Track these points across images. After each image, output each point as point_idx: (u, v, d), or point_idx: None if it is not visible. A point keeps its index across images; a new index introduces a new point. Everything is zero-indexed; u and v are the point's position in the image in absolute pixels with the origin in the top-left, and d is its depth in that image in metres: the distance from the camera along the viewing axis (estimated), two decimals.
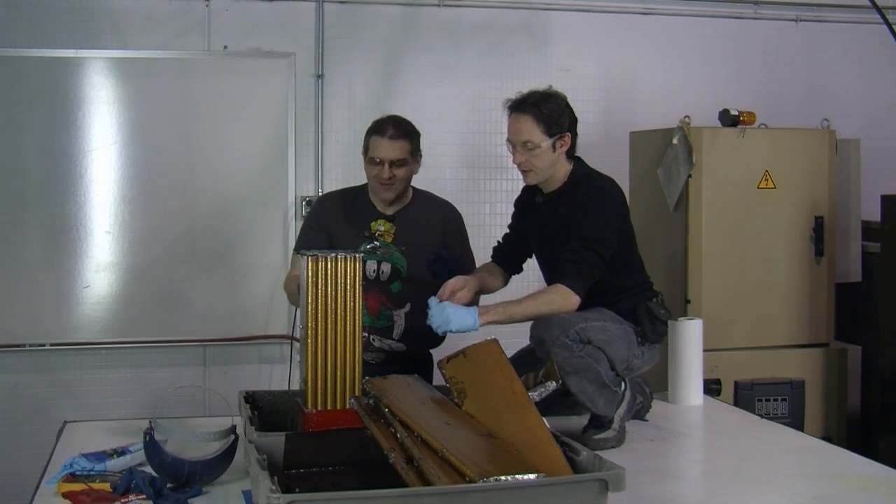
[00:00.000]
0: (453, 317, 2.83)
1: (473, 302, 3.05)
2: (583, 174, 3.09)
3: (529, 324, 2.92)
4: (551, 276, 3.04)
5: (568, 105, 3.06)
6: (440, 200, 3.52)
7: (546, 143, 2.99)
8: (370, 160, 3.31)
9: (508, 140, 3.05)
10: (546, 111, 2.99)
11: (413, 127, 3.36)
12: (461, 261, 3.39)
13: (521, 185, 3.21)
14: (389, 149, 3.26)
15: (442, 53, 4.98)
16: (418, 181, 3.47)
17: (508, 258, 3.33)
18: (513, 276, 3.38)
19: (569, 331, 2.83)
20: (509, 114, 3.06)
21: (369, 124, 3.37)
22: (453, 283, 3.00)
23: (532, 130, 2.98)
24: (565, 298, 2.89)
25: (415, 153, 3.34)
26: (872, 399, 4.67)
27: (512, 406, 2.35)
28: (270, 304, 4.71)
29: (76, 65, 4.55)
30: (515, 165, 3.08)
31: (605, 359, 2.91)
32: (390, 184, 3.30)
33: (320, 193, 4.67)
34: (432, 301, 2.90)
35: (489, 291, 3.28)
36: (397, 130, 3.29)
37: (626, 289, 3.07)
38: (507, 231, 3.35)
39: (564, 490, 2.07)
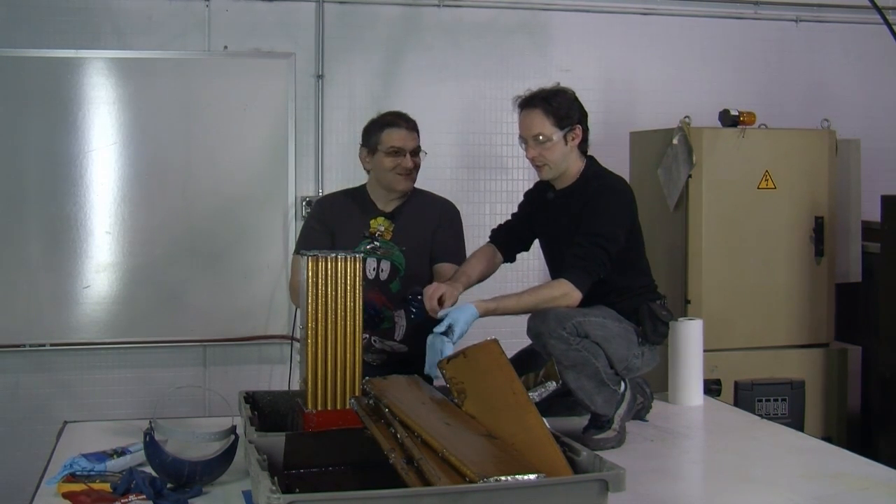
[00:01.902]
0: (457, 316, 2.80)
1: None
2: (594, 172, 3.09)
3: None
4: (557, 273, 3.04)
5: (576, 99, 3.07)
6: (439, 198, 3.53)
7: (557, 135, 2.99)
8: (390, 151, 3.33)
9: (520, 137, 3.06)
10: (555, 104, 3.01)
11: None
12: (452, 252, 3.39)
13: (521, 185, 3.22)
14: (409, 138, 3.35)
15: (442, 53, 4.97)
16: (417, 181, 3.47)
17: (504, 243, 3.32)
18: (511, 276, 3.37)
19: (566, 323, 2.82)
20: (519, 111, 3.07)
21: (366, 124, 3.41)
22: (433, 291, 2.95)
23: (542, 123, 3.00)
24: (567, 293, 2.88)
25: None
26: (872, 399, 4.66)
27: (512, 406, 2.35)
28: (270, 304, 4.71)
29: (76, 65, 4.54)
30: (529, 161, 3.08)
31: (603, 355, 2.91)
32: (410, 172, 3.34)
33: (320, 193, 4.67)
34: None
35: (480, 281, 3.27)
36: (409, 122, 3.38)
37: (630, 289, 3.07)
38: (510, 218, 3.35)
39: (564, 490, 2.07)
